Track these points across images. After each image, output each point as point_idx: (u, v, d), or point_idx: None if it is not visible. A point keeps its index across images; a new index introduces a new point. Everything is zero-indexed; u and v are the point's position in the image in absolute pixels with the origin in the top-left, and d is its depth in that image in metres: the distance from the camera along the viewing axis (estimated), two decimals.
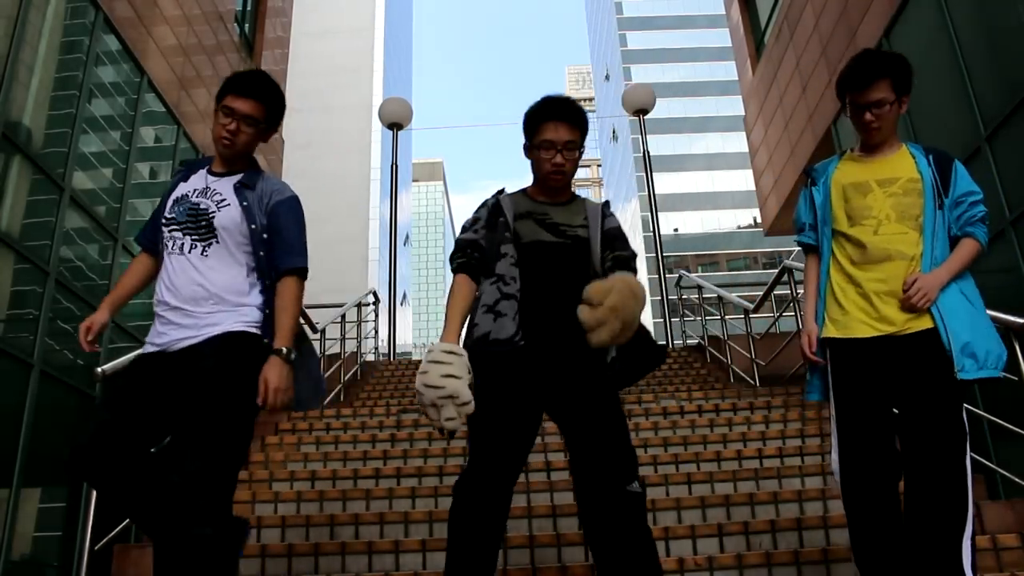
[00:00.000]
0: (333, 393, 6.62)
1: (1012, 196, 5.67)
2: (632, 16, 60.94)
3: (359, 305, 8.24)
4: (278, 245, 2.28)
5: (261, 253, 2.27)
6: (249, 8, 12.18)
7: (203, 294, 2.19)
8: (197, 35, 9.43)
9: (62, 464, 2.17)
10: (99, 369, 3.16)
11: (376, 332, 9.61)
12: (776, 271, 6.07)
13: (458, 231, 2.45)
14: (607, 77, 66.07)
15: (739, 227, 52.10)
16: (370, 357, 9.24)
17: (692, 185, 52.04)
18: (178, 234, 2.25)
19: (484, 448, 2.18)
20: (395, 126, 11.60)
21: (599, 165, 78.91)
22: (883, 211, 2.28)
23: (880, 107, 2.30)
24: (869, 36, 7.88)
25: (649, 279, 49.35)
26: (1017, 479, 3.38)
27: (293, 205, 2.35)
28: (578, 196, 2.49)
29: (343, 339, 7.17)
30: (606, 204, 2.49)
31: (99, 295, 7.02)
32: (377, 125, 33.93)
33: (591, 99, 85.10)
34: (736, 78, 14.02)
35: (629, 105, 11.72)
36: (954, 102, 6.37)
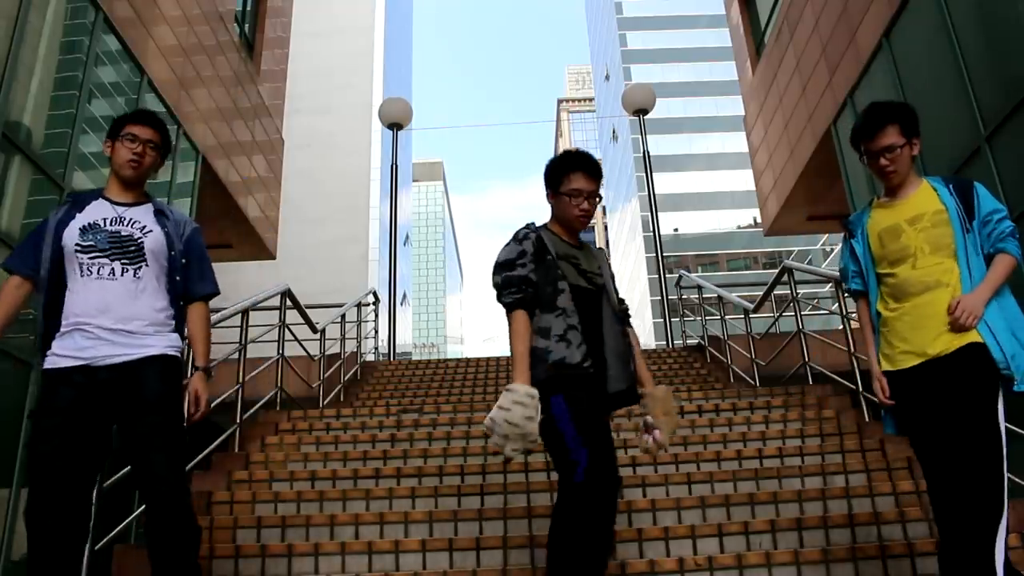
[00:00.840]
0: (333, 393, 6.62)
1: (1012, 196, 5.67)
2: (632, 16, 60.91)
3: (359, 305, 8.24)
4: (195, 271, 2.58)
5: (177, 278, 2.53)
6: (249, 8, 12.17)
7: (138, 315, 2.42)
8: (197, 35, 9.43)
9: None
10: None
11: (376, 332, 9.61)
12: (776, 271, 6.07)
13: (496, 261, 2.64)
14: (607, 77, 66.05)
15: (739, 227, 52.08)
16: (370, 357, 9.24)
17: (692, 185, 52.01)
18: (104, 260, 2.43)
19: (598, 450, 2.39)
20: (395, 126, 11.60)
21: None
22: (917, 246, 2.43)
23: (892, 151, 2.48)
24: (869, 36, 7.88)
25: (649, 279, 49.42)
26: (1017, 479, 3.38)
27: (200, 234, 2.68)
28: (584, 241, 2.81)
29: (343, 339, 7.17)
30: (603, 250, 2.89)
31: None
32: (377, 125, 33.93)
33: (591, 99, 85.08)
34: (736, 78, 14.02)
35: (629, 105, 11.73)
36: (954, 102, 6.37)
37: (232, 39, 10.72)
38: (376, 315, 9.36)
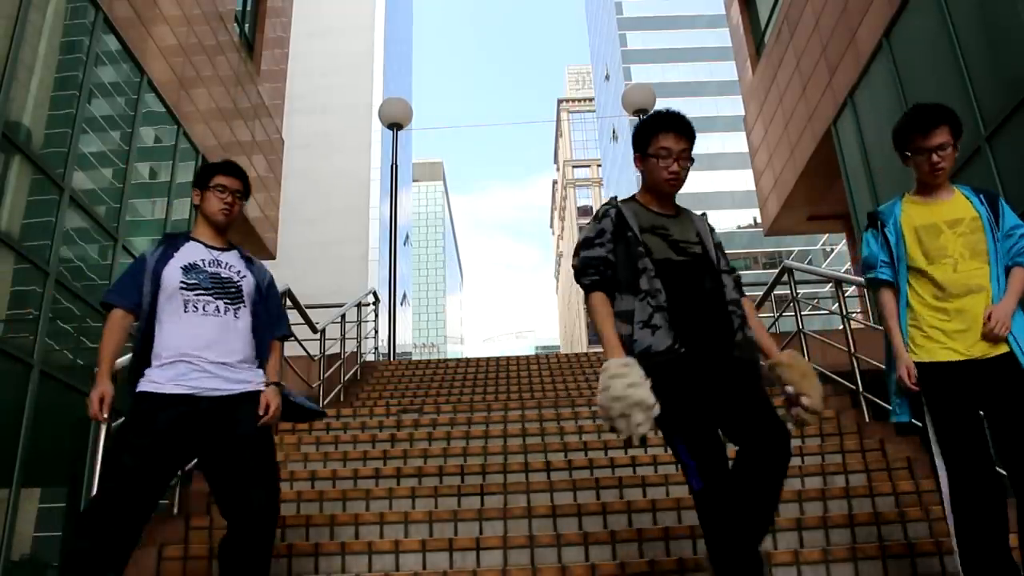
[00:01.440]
0: (333, 393, 6.62)
1: (1012, 196, 5.66)
2: (632, 16, 60.92)
3: (359, 305, 8.24)
4: (274, 315, 2.83)
5: (258, 319, 2.73)
6: (249, 8, 12.17)
7: (237, 353, 2.62)
8: (197, 35, 9.43)
9: (62, 464, 2.24)
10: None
11: (376, 332, 9.60)
12: (776, 271, 6.07)
13: (577, 241, 2.54)
14: (607, 77, 66.06)
15: (739, 227, 52.06)
16: (370, 357, 9.24)
17: (692, 185, 51.77)
18: (208, 298, 2.63)
19: (702, 450, 2.31)
20: (395, 126, 11.61)
21: (599, 165, 78.87)
22: (957, 250, 2.53)
23: (944, 149, 2.59)
24: (869, 36, 7.88)
25: None
26: None
27: (275, 282, 2.92)
28: (681, 208, 2.64)
29: (343, 339, 7.16)
30: (705, 216, 2.69)
31: (99, 295, 7.02)
32: (377, 125, 33.91)
33: (591, 99, 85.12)
34: (736, 78, 14.02)
35: (629, 105, 11.73)
36: (954, 102, 6.35)
37: (232, 39, 10.72)
38: (376, 315, 9.36)
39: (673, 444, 2.38)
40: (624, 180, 59.47)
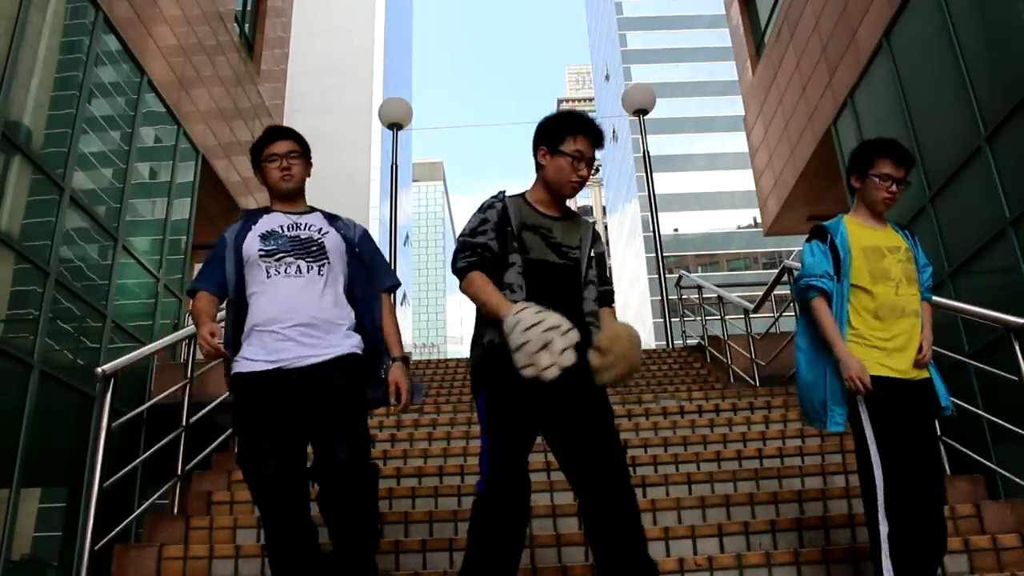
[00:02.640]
0: None
1: (1012, 196, 5.67)
2: (632, 16, 60.92)
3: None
4: (377, 266, 2.71)
5: (350, 276, 2.63)
6: (249, 8, 12.18)
7: (326, 311, 2.51)
8: (197, 35, 9.43)
9: (62, 464, 2.22)
10: (99, 369, 3.15)
11: None
12: (776, 271, 6.07)
13: (459, 232, 2.48)
14: (607, 77, 66.06)
15: (739, 227, 52.09)
16: None
17: (692, 185, 51.97)
18: (289, 259, 2.54)
19: (504, 456, 2.27)
20: (395, 126, 11.60)
21: (599, 165, 78.95)
22: (898, 275, 2.66)
23: (901, 184, 2.73)
24: (869, 36, 7.89)
25: (649, 279, 49.41)
26: (1017, 479, 3.38)
27: (371, 236, 2.80)
28: (572, 211, 2.57)
29: None
30: (594, 225, 2.63)
31: (99, 295, 7.02)
32: (377, 125, 33.90)
33: (591, 99, 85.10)
34: (736, 78, 14.02)
35: (629, 105, 11.72)
36: (954, 102, 6.37)
37: (232, 39, 10.72)
38: None
39: (483, 438, 2.33)
40: (624, 180, 59.50)
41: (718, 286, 7.74)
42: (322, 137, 35.71)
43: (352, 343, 2.53)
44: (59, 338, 6.37)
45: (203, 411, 4.06)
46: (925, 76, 6.98)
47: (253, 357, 2.47)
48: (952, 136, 6.45)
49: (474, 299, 2.35)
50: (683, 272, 9.44)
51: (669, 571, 2.90)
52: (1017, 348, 3.27)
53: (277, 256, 2.54)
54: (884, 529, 2.44)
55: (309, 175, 2.77)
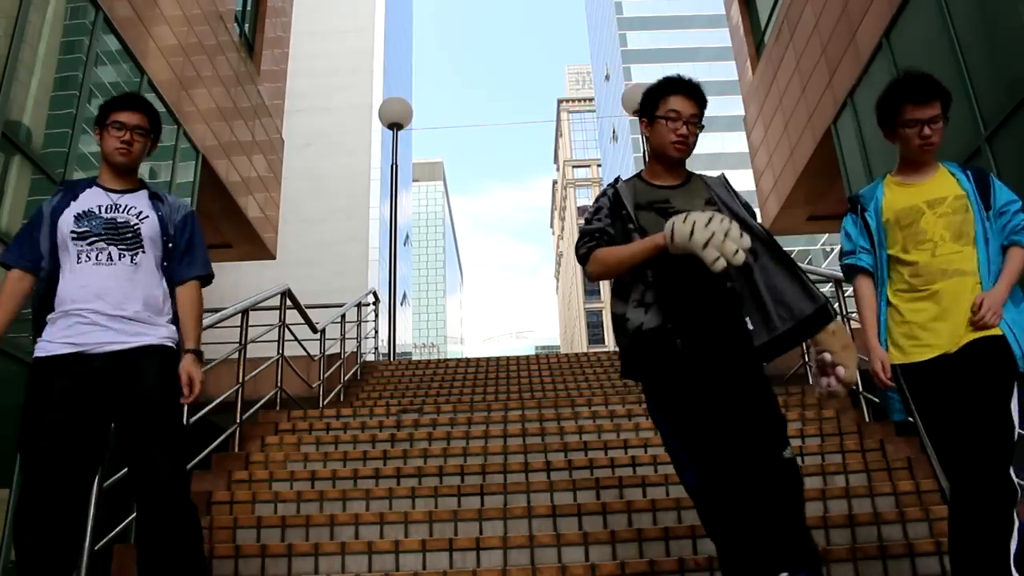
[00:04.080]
0: (333, 393, 6.62)
1: None
2: (632, 16, 60.91)
3: (359, 305, 8.24)
4: (187, 254, 2.54)
5: (166, 264, 2.50)
6: (249, 8, 12.17)
7: (136, 302, 2.38)
8: (197, 35, 9.43)
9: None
10: None
11: (376, 332, 9.61)
12: None
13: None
14: (607, 77, 66.04)
15: None
16: (370, 357, 9.24)
17: None
18: (100, 244, 2.39)
19: (695, 443, 2.20)
20: (395, 126, 11.61)
21: (599, 165, 78.83)
22: (937, 232, 2.35)
23: (936, 123, 2.42)
24: (869, 36, 7.88)
25: None
26: (1016, 479, 3.38)
27: (195, 218, 2.63)
28: (693, 174, 2.49)
29: (343, 339, 7.17)
30: (723, 177, 2.53)
31: None
32: (377, 125, 33.90)
33: (591, 99, 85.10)
34: (736, 78, 14.01)
35: (629, 105, 11.72)
36: (954, 102, 6.34)
37: (232, 39, 10.72)
38: (376, 315, 9.36)
39: (663, 434, 2.29)
40: None
41: None
42: (322, 137, 35.70)
43: (165, 333, 2.42)
44: None
45: (203, 411, 4.06)
46: None
47: (53, 339, 2.33)
48: (952, 136, 6.42)
49: (611, 267, 2.31)
50: None
51: (669, 571, 2.90)
52: None
53: (89, 240, 2.40)
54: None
55: (150, 154, 2.62)
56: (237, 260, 12.67)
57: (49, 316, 2.38)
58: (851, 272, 2.51)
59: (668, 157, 2.40)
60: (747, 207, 2.45)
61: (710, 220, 2.06)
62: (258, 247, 12.16)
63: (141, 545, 2.28)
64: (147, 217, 2.48)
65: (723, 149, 51.55)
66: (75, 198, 2.48)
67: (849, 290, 3.12)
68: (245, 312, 4.90)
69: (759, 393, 2.25)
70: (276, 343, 5.63)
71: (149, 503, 2.26)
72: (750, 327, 2.28)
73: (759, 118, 12.28)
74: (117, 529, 3.26)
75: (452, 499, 3.66)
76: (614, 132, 64.58)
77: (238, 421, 4.60)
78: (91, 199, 2.48)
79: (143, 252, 2.43)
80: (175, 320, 2.49)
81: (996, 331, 2.26)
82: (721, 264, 2.03)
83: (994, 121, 5.83)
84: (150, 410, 2.30)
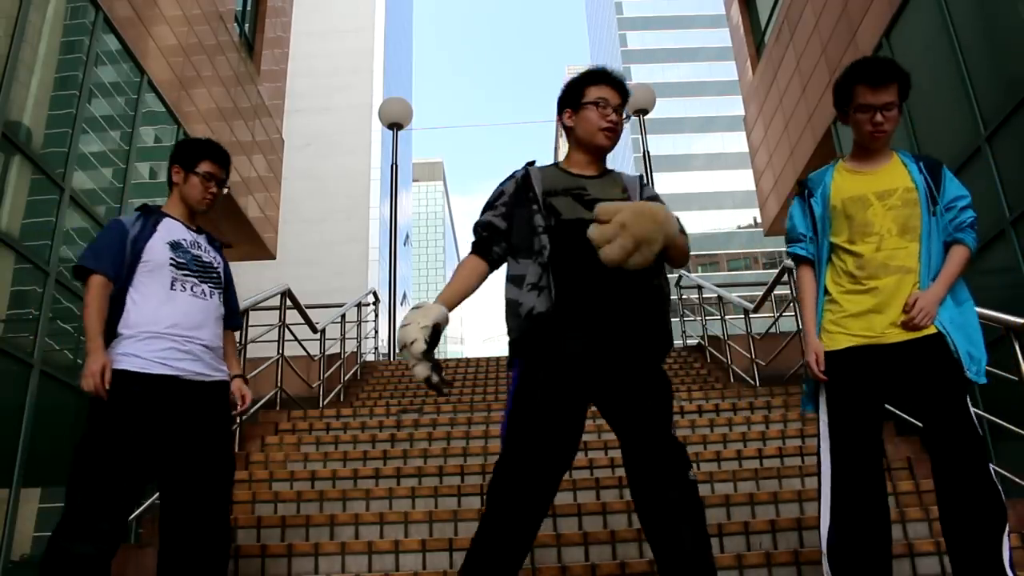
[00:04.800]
0: (333, 393, 6.62)
1: (1012, 196, 5.67)
2: (632, 16, 60.93)
3: (359, 305, 8.24)
4: (233, 305, 2.77)
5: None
6: (249, 8, 12.17)
7: (217, 339, 2.58)
8: (197, 35, 9.43)
9: (62, 464, 2.20)
10: None
11: (376, 332, 9.61)
12: (776, 271, 6.07)
13: (472, 222, 2.42)
14: None
15: (739, 227, 52.10)
16: (370, 357, 9.24)
17: (692, 185, 52.00)
18: (194, 280, 2.55)
19: (521, 444, 2.13)
20: (395, 126, 11.60)
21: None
22: (884, 226, 2.30)
23: (890, 110, 2.32)
24: (869, 36, 7.88)
25: None
26: (1017, 479, 3.38)
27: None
28: (611, 170, 2.44)
29: (343, 339, 7.17)
30: (641, 177, 2.47)
31: None
32: (377, 125, 33.90)
33: None
34: (736, 78, 14.02)
35: (629, 105, 11.70)
36: (954, 102, 6.37)
37: (232, 39, 10.72)
38: (376, 315, 9.36)
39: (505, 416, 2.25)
40: None
41: (718, 286, 7.74)
42: (322, 137, 35.70)
43: (225, 374, 2.62)
44: (59, 338, 6.37)
45: None
46: (925, 76, 6.98)
47: (148, 358, 2.38)
48: (952, 136, 6.45)
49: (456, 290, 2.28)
50: (683, 272, 9.44)
51: None
52: (1017, 348, 3.28)
53: (185, 272, 2.54)
54: (824, 526, 2.23)
55: None
56: (237, 260, 12.67)
57: (133, 329, 2.42)
58: (795, 260, 2.48)
59: (596, 145, 2.33)
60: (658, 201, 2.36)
61: (407, 325, 2.09)
62: (258, 247, 12.15)
63: (169, 559, 2.38)
64: (220, 264, 2.70)
65: (723, 149, 51.56)
66: (158, 224, 2.59)
67: None
68: (245, 312, 4.90)
69: (654, 402, 2.14)
70: (276, 343, 5.63)
71: (189, 527, 2.37)
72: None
73: (759, 118, 12.29)
74: None
75: (452, 499, 3.66)
76: None
77: (238, 421, 4.60)
78: (175, 231, 2.61)
79: (220, 293, 2.65)
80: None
81: (931, 330, 2.22)
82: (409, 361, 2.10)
83: (994, 121, 5.83)
84: (213, 440, 2.48)
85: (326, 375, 6.49)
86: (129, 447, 2.30)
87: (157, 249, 2.51)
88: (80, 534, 2.22)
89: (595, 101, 2.30)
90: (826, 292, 2.37)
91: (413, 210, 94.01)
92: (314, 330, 6.53)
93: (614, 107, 2.32)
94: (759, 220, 14.72)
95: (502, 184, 2.37)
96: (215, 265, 2.65)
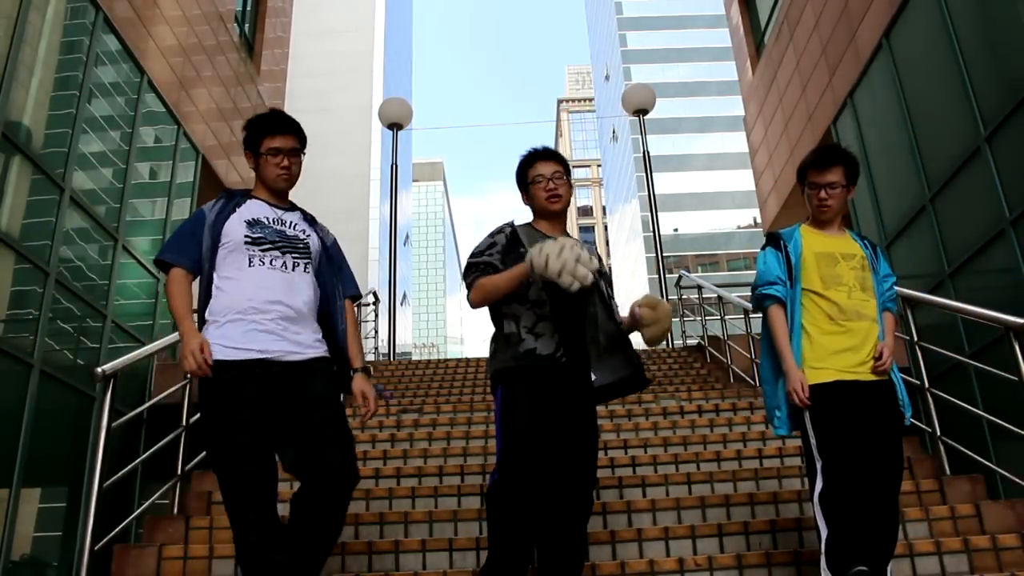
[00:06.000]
0: None
1: (1012, 196, 5.67)
2: (632, 16, 60.88)
3: (359, 305, 8.24)
4: (344, 274, 2.71)
5: (322, 281, 2.61)
6: (249, 8, 12.17)
7: (304, 311, 2.50)
8: (197, 35, 9.43)
9: (62, 464, 2.20)
10: (99, 369, 3.15)
11: (376, 332, 9.61)
12: None
13: (470, 253, 2.72)
14: (607, 77, 66.03)
15: (739, 227, 52.05)
16: (370, 357, 9.24)
17: (692, 185, 51.96)
18: (276, 252, 2.50)
19: (522, 457, 2.47)
20: (395, 126, 11.61)
21: (599, 165, 78.80)
22: (851, 281, 2.73)
23: (833, 188, 2.78)
24: (869, 36, 7.88)
25: (649, 279, 49.39)
26: (1017, 479, 3.38)
27: (338, 243, 2.79)
28: (569, 234, 2.83)
29: None
30: (593, 245, 2.87)
31: (99, 295, 7.03)
32: (377, 125, 33.90)
33: (591, 99, 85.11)
34: (736, 78, 14.02)
35: (629, 105, 11.72)
36: (954, 102, 6.37)
37: (232, 39, 10.72)
38: (376, 315, 9.36)
39: (497, 438, 2.57)
40: (624, 180, 59.49)
41: (718, 286, 7.74)
42: (322, 137, 35.71)
43: (325, 347, 2.55)
44: (59, 338, 6.37)
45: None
46: (925, 76, 6.98)
47: (233, 345, 2.38)
48: (952, 136, 6.44)
49: (491, 294, 2.59)
50: (683, 272, 9.44)
51: (669, 571, 2.91)
52: (1017, 348, 3.27)
53: (263, 246, 2.48)
54: (823, 533, 2.50)
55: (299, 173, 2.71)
56: None
57: (217, 316, 2.42)
58: (769, 301, 2.80)
59: (549, 211, 2.75)
60: (604, 276, 2.79)
61: (561, 250, 2.34)
62: None
63: (298, 513, 2.38)
64: (310, 234, 2.63)
65: (723, 149, 51.52)
66: (239, 206, 2.55)
67: None
68: None
69: (591, 425, 2.65)
70: None
71: (319, 490, 2.37)
72: (592, 374, 2.69)
73: (759, 118, 12.29)
74: (117, 529, 3.25)
75: (452, 499, 3.66)
76: (614, 132, 64.59)
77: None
78: (257, 209, 2.56)
79: (312, 263, 2.57)
80: (325, 331, 2.59)
81: (885, 376, 2.66)
82: (576, 287, 2.33)
83: (994, 121, 5.83)
84: (320, 409, 2.42)
85: None
86: (238, 438, 2.31)
87: (234, 229, 2.48)
88: (271, 542, 2.30)
89: (534, 179, 2.75)
90: (803, 329, 2.71)
91: (413, 210, 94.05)
92: None
93: (550, 177, 2.73)
94: (759, 220, 14.73)
95: (491, 236, 2.71)
96: (302, 237, 2.58)
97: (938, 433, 3.78)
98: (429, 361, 8.43)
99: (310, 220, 2.70)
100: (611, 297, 2.77)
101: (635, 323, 2.65)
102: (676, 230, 50.81)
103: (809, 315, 2.71)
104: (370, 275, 34.22)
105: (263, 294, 2.43)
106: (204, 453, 4.16)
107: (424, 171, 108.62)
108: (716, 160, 52.13)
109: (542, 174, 2.74)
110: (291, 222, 2.61)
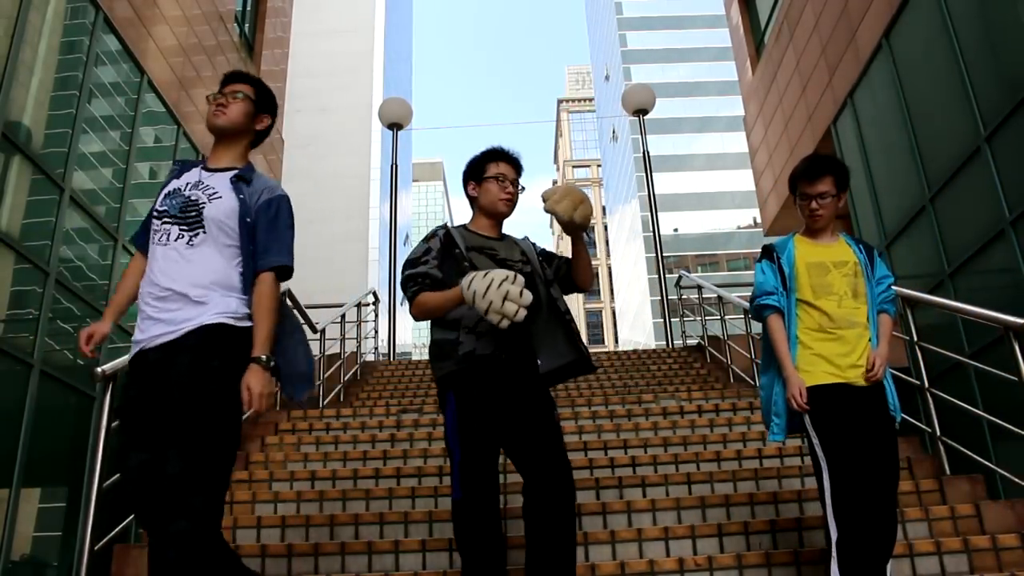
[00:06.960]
0: (333, 393, 6.62)
1: (1012, 196, 5.67)
2: (632, 16, 60.87)
3: (359, 305, 8.23)
4: (263, 241, 2.26)
5: (251, 247, 2.25)
6: (249, 8, 12.17)
7: (184, 285, 2.16)
8: (197, 35, 9.43)
9: (62, 464, 2.18)
10: (99, 369, 3.16)
11: (376, 332, 9.60)
12: None
13: (405, 261, 2.68)
14: (607, 77, 66.02)
15: (739, 227, 52.02)
16: (370, 357, 9.24)
17: (692, 185, 51.94)
18: (168, 225, 2.26)
19: (474, 462, 2.44)
20: (395, 126, 11.60)
21: (599, 165, 78.77)
22: (842, 289, 2.77)
23: (824, 198, 2.81)
24: (869, 36, 7.88)
25: (649, 279, 49.39)
26: (1017, 479, 3.38)
27: (283, 204, 2.33)
28: (506, 234, 2.83)
29: (343, 339, 7.16)
30: (527, 238, 2.89)
31: (99, 295, 7.02)
32: (377, 125, 33.90)
33: (591, 99, 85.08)
34: (736, 78, 14.02)
35: (629, 105, 11.72)
36: (954, 102, 6.37)
37: (232, 39, 10.72)
38: (376, 315, 9.35)
39: (450, 448, 2.50)
40: (624, 180, 59.47)
41: (718, 286, 7.74)
42: (322, 137, 35.70)
43: (215, 312, 2.14)
44: (59, 338, 6.37)
45: None
46: (925, 76, 6.98)
47: (134, 338, 2.22)
48: (952, 136, 6.45)
49: (431, 311, 2.56)
50: (683, 272, 9.44)
51: (669, 571, 2.91)
52: (1017, 348, 3.28)
53: (163, 220, 2.28)
54: (834, 535, 2.52)
55: (256, 126, 2.46)
56: None
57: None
58: (767, 311, 2.84)
59: (497, 212, 2.74)
60: (545, 255, 2.82)
61: (488, 287, 2.29)
62: None
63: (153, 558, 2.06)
64: (219, 198, 2.26)
65: (723, 149, 51.52)
66: (178, 177, 2.37)
67: None
68: None
69: (548, 422, 2.58)
70: None
71: (156, 508, 2.04)
72: (538, 360, 2.64)
73: (759, 118, 12.29)
74: (117, 529, 3.25)
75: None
76: (614, 132, 64.58)
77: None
78: (188, 178, 2.36)
79: (203, 233, 2.22)
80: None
81: (879, 379, 2.69)
82: (505, 324, 2.30)
83: (994, 121, 5.83)
84: (171, 396, 2.07)
85: (326, 375, 6.49)
86: (122, 438, 2.12)
87: (157, 203, 2.33)
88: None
89: (495, 176, 2.73)
90: (798, 338, 2.76)
91: (413, 210, 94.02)
92: (314, 330, 6.53)
93: (511, 181, 2.74)
94: (759, 220, 14.72)
95: (425, 242, 2.67)
96: (199, 202, 2.24)
97: (938, 433, 3.78)
98: (429, 361, 8.41)
99: (240, 180, 2.31)
100: (553, 282, 2.74)
101: (565, 225, 2.60)
102: (676, 230, 50.79)
103: (803, 324, 2.78)
104: (370, 275, 34.21)
105: (148, 276, 2.24)
106: None
107: (424, 171, 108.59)
108: (716, 160, 52.10)
109: (504, 174, 2.74)
110: (207, 185, 2.30)
